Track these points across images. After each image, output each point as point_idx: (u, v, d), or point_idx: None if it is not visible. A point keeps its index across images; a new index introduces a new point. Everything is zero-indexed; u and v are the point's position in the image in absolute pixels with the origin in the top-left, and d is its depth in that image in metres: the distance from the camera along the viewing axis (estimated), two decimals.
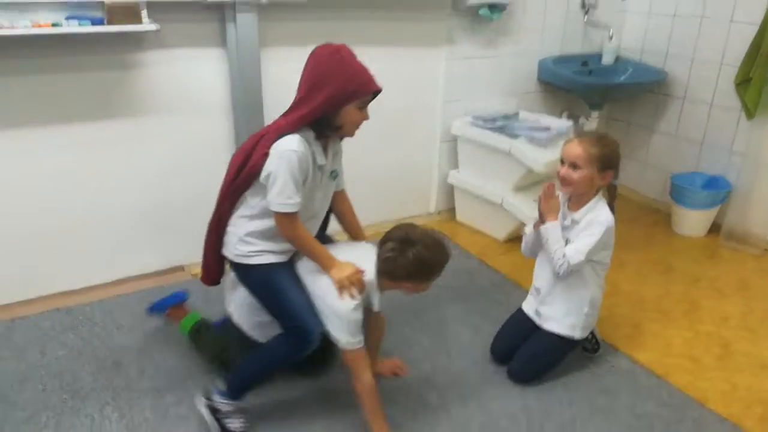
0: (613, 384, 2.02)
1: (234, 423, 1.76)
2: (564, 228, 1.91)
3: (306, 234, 1.72)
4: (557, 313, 1.99)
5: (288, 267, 1.80)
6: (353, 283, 1.67)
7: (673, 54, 3.24)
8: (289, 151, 1.62)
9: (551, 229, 1.87)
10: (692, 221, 3.11)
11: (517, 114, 3.08)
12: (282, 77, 2.54)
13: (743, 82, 2.87)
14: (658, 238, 3.10)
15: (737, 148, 3.03)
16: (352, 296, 1.66)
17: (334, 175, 1.84)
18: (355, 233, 1.98)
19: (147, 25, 2.11)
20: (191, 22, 2.32)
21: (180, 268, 2.67)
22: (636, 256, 2.90)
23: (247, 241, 1.77)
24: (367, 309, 1.81)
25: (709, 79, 3.09)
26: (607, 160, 1.85)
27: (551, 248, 1.87)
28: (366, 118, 1.71)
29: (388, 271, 1.68)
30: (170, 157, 2.48)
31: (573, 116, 3.43)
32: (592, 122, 3.36)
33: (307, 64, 1.67)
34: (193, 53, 2.38)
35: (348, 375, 1.73)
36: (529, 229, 2.00)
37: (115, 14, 2.06)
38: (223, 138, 2.55)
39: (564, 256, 1.85)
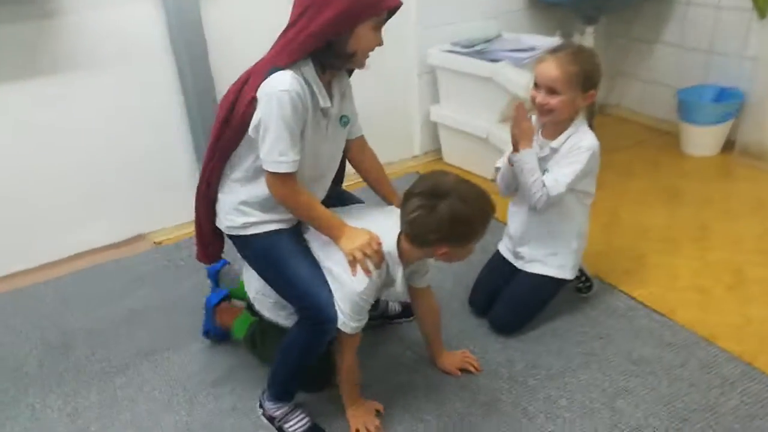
0: (610, 327, 1.80)
1: (294, 424, 1.54)
2: (541, 159, 1.66)
3: (308, 199, 1.41)
4: (540, 254, 1.76)
5: (294, 235, 1.49)
6: (368, 254, 1.36)
7: None
8: (279, 92, 1.28)
9: (526, 157, 1.61)
10: (703, 139, 2.81)
11: (499, 36, 2.77)
12: (226, 16, 2.29)
13: None
14: (665, 162, 2.81)
15: (749, 53, 2.69)
16: (366, 271, 1.37)
17: (345, 121, 1.49)
18: (384, 193, 1.63)
19: None
20: None
21: (140, 237, 2.48)
22: (641, 183, 2.62)
23: (242, 210, 1.47)
24: (413, 289, 1.58)
25: None
26: (589, 77, 1.58)
27: (527, 179, 1.61)
28: (381, 42, 1.37)
29: (417, 235, 1.35)
30: (111, 115, 2.24)
31: (566, 34, 3.10)
32: (587, 39, 3.02)
33: None
34: None
35: None
36: (502, 162, 1.75)
37: None
38: (166, 86, 2.30)
39: (543, 186, 1.59)
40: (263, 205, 1.45)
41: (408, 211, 1.35)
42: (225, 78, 2.32)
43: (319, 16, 1.27)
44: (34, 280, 2.23)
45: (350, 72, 1.50)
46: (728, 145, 2.80)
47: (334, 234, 1.41)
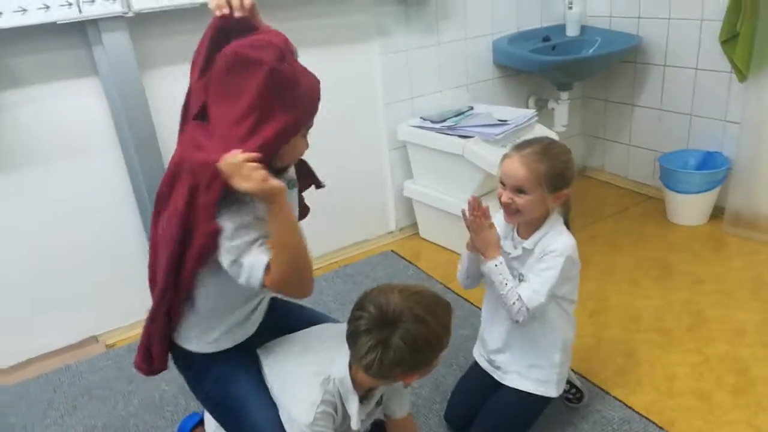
0: None
1: None
2: (515, 259, 1.49)
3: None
4: (519, 365, 1.57)
5: (251, 363, 1.36)
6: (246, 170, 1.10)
7: (645, 15, 2.79)
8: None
9: (495, 269, 1.44)
10: (689, 208, 2.67)
11: (471, 108, 2.65)
12: (174, 100, 2.13)
13: (730, 39, 2.41)
14: (651, 232, 2.67)
15: (732, 116, 2.58)
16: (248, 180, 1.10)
17: (293, 184, 1.37)
18: None
19: None
20: (48, 51, 1.91)
21: (93, 339, 2.27)
22: (626, 257, 2.47)
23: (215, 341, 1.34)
24: (390, 420, 1.41)
25: (690, 39, 2.65)
26: (559, 177, 1.42)
27: (500, 291, 1.44)
28: (308, 146, 1.28)
29: (378, 375, 1.19)
30: (55, 213, 2.07)
31: (541, 102, 3.00)
32: (562, 105, 2.92)
33: (247, 74, 1.12)
34: (60, 87, 1.97)
35: None
36: (464, 252, 1.56)
37: None
38: (114, 179, 2.14)
39: (519, 299, 1.42)
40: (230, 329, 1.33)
41: (360, 354, 1.17)
42: None
43: (266, 127, 1.12)
44: None
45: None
46: (717, 212, 2.67)
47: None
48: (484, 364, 1.65)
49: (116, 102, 2.02)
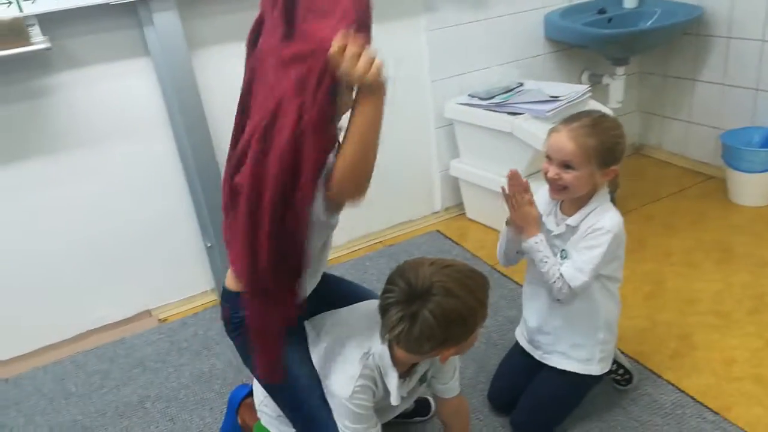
0: (654, 428, 1.54)
1: None
2: (557, 237, 1.45)
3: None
4: (562, 345, 1.53)
5: (304, 349, 1.36)
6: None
7: None
8: None
9: (535, 246, 1.41)
10: (752, 188, 2.53)
11: (520, 85, 2.58)
12: (223, 79, 2.16)
13: None
14: (711, 213, 2.54)
15: None
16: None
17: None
18: None
19: (38, 44, 1.76)
20: (102, 32, 1.96)
21: (147, 313, 2.35)
22: (685, 241, 2.36)
23: None
24: (440, 401, 1.42)
25: (758, 8, 2.49)
26: (609, 152, 1.37)
27: (541, 269, 1.41)
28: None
29: (410, 349, 1.18)
30: (110, 191, 2.14)
31: (594, 77, 2.89)
32: (618, 81, 2.81)
33: None
34: (113, 68, 2.02)
35: None
36: (503, 229, 1.53)
37: None
38: (166, 159, 2.19)
39: (561, 277, 1.38)
40: None
41: (389, 326, 1.16)
42: (225, 141, 2.21)
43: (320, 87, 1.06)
44: (33, 365, 2.12)
45: None
46: None
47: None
48: (525, 345, 1.63)
49: (166, 82, 2.06)
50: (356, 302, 1.44)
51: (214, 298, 2.38)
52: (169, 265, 2.32)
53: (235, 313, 1.30)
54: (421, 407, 1.68)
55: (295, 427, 1.34)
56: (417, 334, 1.13)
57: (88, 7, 1.85)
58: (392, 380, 1.24)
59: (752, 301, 1.97)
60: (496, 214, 2.58)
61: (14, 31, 1.73)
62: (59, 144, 2.02)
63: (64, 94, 1.98)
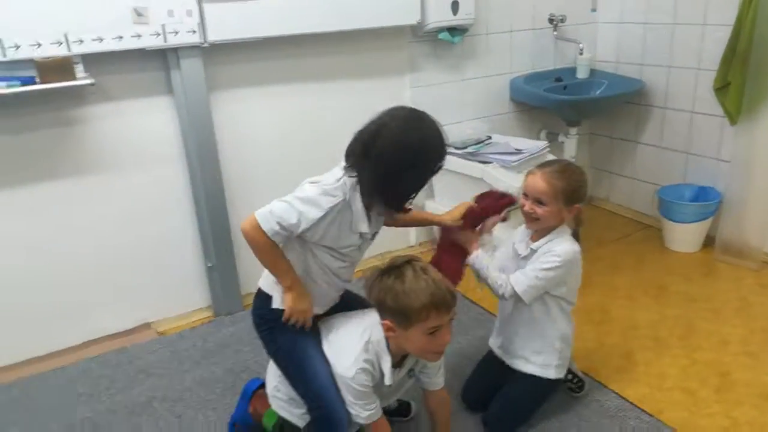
0: (602, 428, 1.85)
1: None
2: (523, 258, 1.79)
3: (276, 254, 1.55)
4: (525, 351, 1.85)
5: (316, 333, 1.65)
6: (300, 321, 1.57)
7: (648, 63, 3.12)
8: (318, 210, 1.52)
9: (476, 260, 1.76)
10: (684, 236, 2.95)
11: (489, 138, 2.95)
12: (235, 119, 2.46)
13: (722, 87, 2.73)
14: (650, 257, 2.94)
15: (724, 155, 2.88)
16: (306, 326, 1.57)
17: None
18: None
19: (82, 80, 2.02)
20: (134, 72, 2.23)
21: (146, 326, 2.54)
22: (627, 278, 2.74)
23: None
24: (427, 393, 1.68)
25: (688, 85, 2.97)
26: (574, 193, 1.72)
27: (484, 278, 1.76)
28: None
29: (380, 315, 1.48)
30: (124, 212, 2.36)
31: (551, 135, 3.31)
32: (571, 140, 3.22)
33: None
34: (140, 104, 2.28)
35: None
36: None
37: (47, 71, 1.96)
38: (178, 186, 2.43)
39: (502, 283, 1.73)
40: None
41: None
42: (234, 175, 2.49)
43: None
44: (41, 369, 2.27)
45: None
46: (709, 241, 2.94)
47: (284, 282, 1.57)
48: (496, 350, 1.94)
49: (185, 119, 2.33)
50: (358, 308, 1.72)
51: (211, 314, 2.60)
52: (170, 281, 2.53)
53: (265, 309, 1.61)
54: (402, 408, 1.93)
55: (305, 400, 1.58)
56: (373, 295, 1.47)
57: (126, 50, 2.12)
58: (386, 364, 1.51)
59: (682, 329, 2.33)
60: None
61: (63, 67, 1.98)
62: (84, 167, 2.25)
63: (94, 124, 2.22)
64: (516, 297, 1.73)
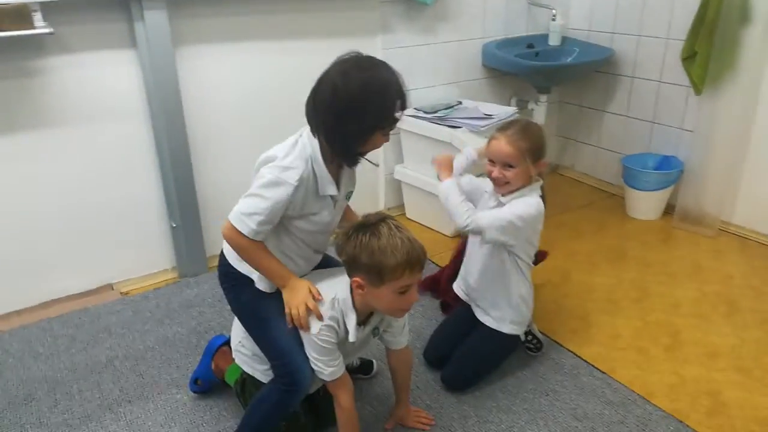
0: (556, 384, 1.91)
1: None
2: (490, 208, 1.81)
3: (259, 250, 1.51)
4: (484, 302, 1.91)
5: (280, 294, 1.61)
6: (309, 308, 1.48)
7: (619, 31, 3.14)
8: (287, 183, 1.47)
9: (446, 188, 1.77)
10: (645, 204, 3.02)
11: (459, 103, 2.96)
12: (201, 76, 2.41)
13: (689, 57, 2.77)
14: (611, 224, 3.01)
15: (687, 125, 2.94)
16: (307, 327, 1.48)
17: (350, 195, 1.72)
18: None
19: (40, 29, 1.95)
20: (96, 22, 2.16)
21: (108, 287, 2.52)
22: (588, 244, 2.80)
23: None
24: (390, 351, 1.70)
25: (657, 55, 3.00)
26: (539, 150, 1.75)
27: (449, 204, 1.76)
28: (388, 141, 1.58)
29: (349, 272, 1.46)
30: (87, 170, 2.32)
31: (521, 102, 3.33)
32: (541, 107, 3.25)
33: None
34: (102, 56, 2.22)
35: None
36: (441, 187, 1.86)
37: (3, 18, 1.89)
38: (142, 144, 2.39)
39: (468, 210, 1.74)
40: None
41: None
42: (199, 134, 2.45)
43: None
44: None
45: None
46: (669, 209, 3.02)
47: (278, 283, 1.54)
48: (463, 296, 1.99)
49: (149, 74, 2.27)
50: (329, 267, 1.73)
51: (175, 275, 2.59)
52: (134, 241, 2.50)
53: (229, 267, 1.62)
54: (364, 366, 1.97)
55: (269, 357, 1.58)
56: (345, 251, 1.43)
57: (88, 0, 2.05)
58: (351, 321, 1.51)
59: (637, 293, 2.41)
60: (434, 215, 2.95)
61: (20, 15, 1.91)
62: (45, 121, 2.19)
63: (54, 76, 2.15)
64: (478, 230, 1.74)
